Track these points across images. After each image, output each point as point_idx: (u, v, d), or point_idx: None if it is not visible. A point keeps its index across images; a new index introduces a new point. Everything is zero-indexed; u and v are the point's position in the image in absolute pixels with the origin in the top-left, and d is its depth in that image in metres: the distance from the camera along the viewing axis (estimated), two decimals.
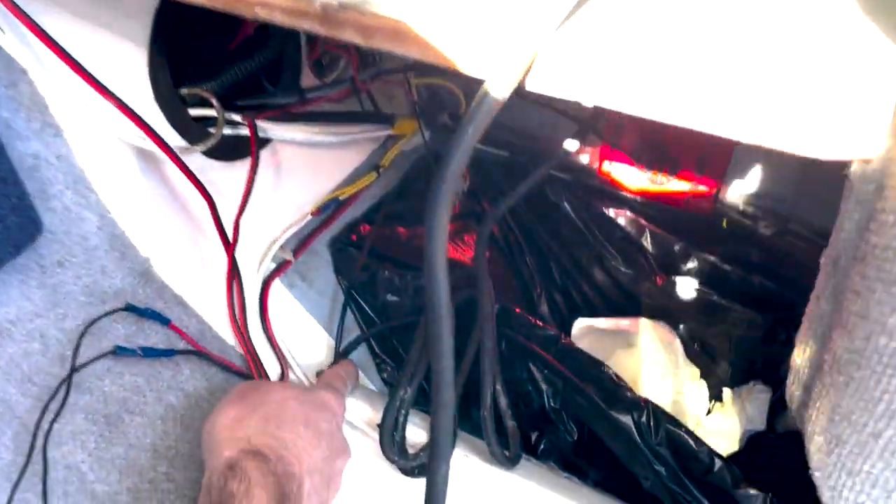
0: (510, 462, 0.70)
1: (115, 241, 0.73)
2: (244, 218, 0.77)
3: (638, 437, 0.73)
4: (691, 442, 0.72)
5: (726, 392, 0.96)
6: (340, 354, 0.81)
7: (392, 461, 0.70)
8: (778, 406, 0.91)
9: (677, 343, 0.96)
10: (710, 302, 0.94)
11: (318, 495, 0.59)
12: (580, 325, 1.00)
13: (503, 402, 0.71)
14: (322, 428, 0.62)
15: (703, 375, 0.97)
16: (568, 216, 1.00)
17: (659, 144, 0.89)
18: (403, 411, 0.71)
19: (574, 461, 0.79)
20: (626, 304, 1.02)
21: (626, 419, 0.73)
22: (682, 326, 0.98)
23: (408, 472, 0.71)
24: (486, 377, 0.70)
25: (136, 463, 0.70)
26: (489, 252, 1.02)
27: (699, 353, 0.98)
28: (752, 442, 0.92)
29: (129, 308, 0.72)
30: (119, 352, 0.70)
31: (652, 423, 0.73)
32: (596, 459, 0.79)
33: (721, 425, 0.94)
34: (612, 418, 0.74)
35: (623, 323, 0.97)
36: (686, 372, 0.97)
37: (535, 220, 1.04)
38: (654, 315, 0.98)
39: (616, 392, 0.75)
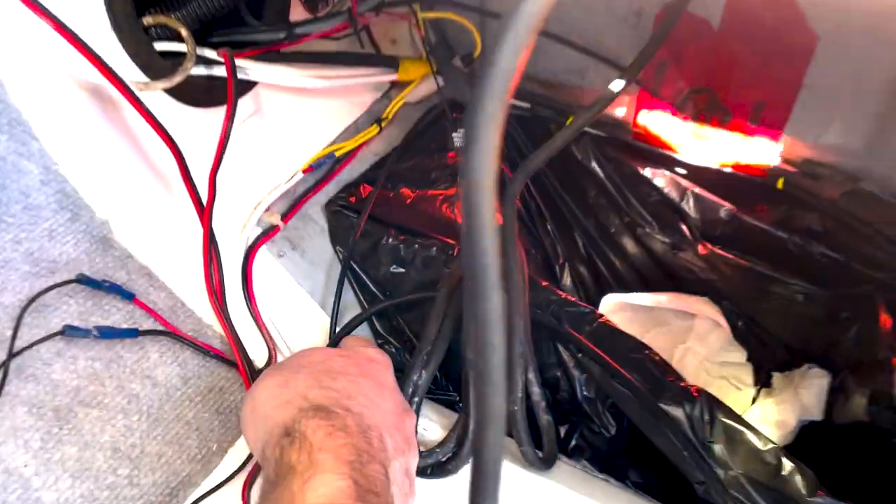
0: (544, 464, 0.59)
1: (64, 199, 0.61)
2: (223, 175, 0.65)
3: (690, 433, 0.62)
4: (755, 439, 0.61)
5: (777, 377, 0.85)
6: (340, 335, 0.69)
7: None
8: (837, 393, 0.80)
9: (722, 321, 0.84)
10: (762, 275, 0.82)
11: (403, 456, 0.49)
12: (609, 301, 0.88)
13: (536, 392, 0.60)
14: (383, 380, 0.53)
15: (750, 358, 0.85)
16: (596, 177, 0.88)
17: (707, 89, 0.76)
18: (416, 399, 0.60)
19: (611, 460, 0.68)
20: (661, 278, 0.90)
21: (676, 412, 0.63)
22: (725, 302, 0.86)
23: (420, 471, 0.59)
24: (515, 363, 0.58)
25: (91, 465, 0.59)
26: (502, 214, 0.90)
27: (746, 332, 0.86)
28: (806, 434, 0.81)
29: (83, 280, 0.60)
30: (69, 332, 0.58)
31: (706, 417, 0.62)
32: (637, 458, 0.67)
33: (770, 415, 0.82)
34: (658, 410, 0.63)
35: (659, 299, 0.86)
36: (731, 354, 0.86)
37: (557, 182, 0.92)
38: (695, 290, 0.87)
39: (663, 380, 0.64)
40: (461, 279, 0.65)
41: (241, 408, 0.51)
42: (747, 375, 0.86)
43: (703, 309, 0.85)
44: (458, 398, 0.77)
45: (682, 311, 0.88)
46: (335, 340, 0.70)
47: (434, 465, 0.60)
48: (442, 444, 0.60)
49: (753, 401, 0.86)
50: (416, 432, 0.56)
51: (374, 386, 0.50)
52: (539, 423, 0.61)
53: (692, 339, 0.88)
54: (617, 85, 0.59)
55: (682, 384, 0.63)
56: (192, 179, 0.63)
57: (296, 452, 0.41)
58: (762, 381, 0.86)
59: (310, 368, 0.50)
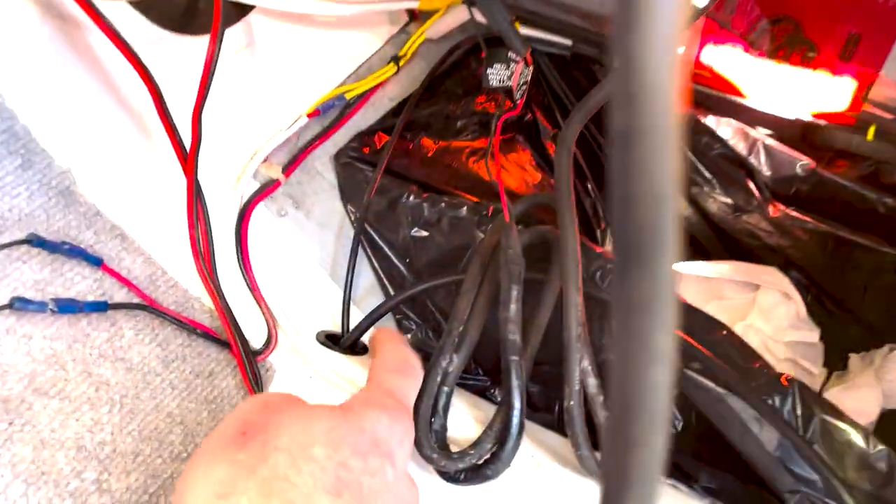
0: None
1: (14, 141, 0.49)
2: (211, 116, 0.53)
3: (780, 431, 0.51)
4: (861, 439, 0.51)
5: (854, 359, 0.74)
6: (357, 332, 0.57)
7: (430, 461, 0.48)
8: None
9: (794, 294, 0.73)
10: (843, 240, 0.70)
11: None
12: None
13: (593, 384, 0.49)
14: (367, 485, 0.35)
15: (823, 337, 0.74)
16: None
17: (789, 19, 0.64)
18: (446, 389, 0.49)
19: (678, 461, 0.57)
20: (717, 245, 0.79)
21: (763, 405, 0.51)
22: (794, 273, 0.75)
23: (451, 476, 0.49)
24: (570, 348, 0.47)
25: (50, 468, 0.48)
26: (540, 174, 0.79)
27: (820, 307, 0.75)
28: (889, 424, 0.70)
29: (36, 241, 0.48)
30: (20, 305, 0.47)
31: (800, 411, 0.52)
32: (710, 459, 0.56)
33: (846, 403, 0.71)
34: (739, 403, 0.52)
35: (720, 269, 0.74)
36: (801, 333, 0.74)
37: (600, 133, 0.80)
38: (762, 258, 0.75)
39: (747, 366, 0.53)
40: (498, 245, 0.54)
41: (177, 482, 0.36)
42: (819, 357, 0.75)
43: (771, 280, 0.73)
44: (489, 384, 0.66)
45: (743, 283, 0.77)
46: (352, 340, 0.58)
47: (468, 470, 0.49)
48: (477, 443, 0.49)
49: (823, 386, 0.75)
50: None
51: None
52: (596, 420, 0.50)
53: (754, 315, 0.76)
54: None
55: (769, 371, 0.52)
56: (171, 118, 0.52)
57: None
58: (836, 363, 0.75)
59: (266, 467, 0.33)
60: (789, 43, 0.64)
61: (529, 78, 0.60)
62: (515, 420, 0.47)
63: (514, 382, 0.47)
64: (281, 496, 0.32)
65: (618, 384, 0.15)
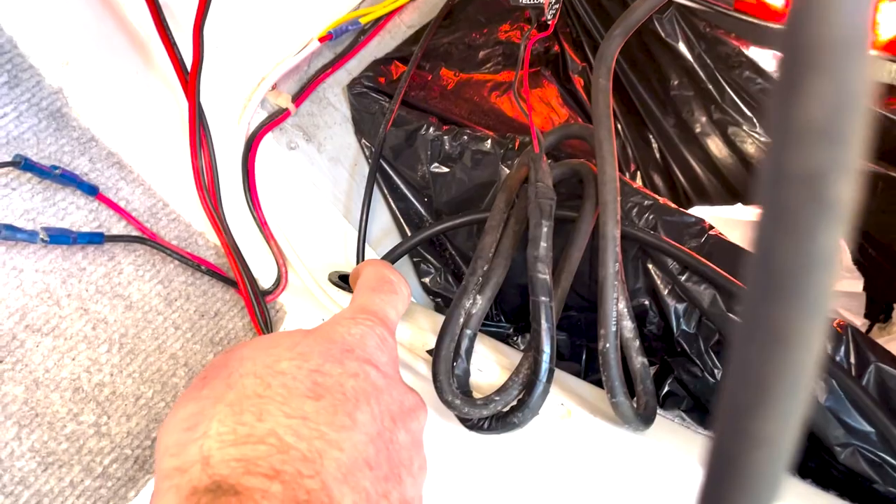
0: (642, 421, 0.44)
1: None
2: (214, 34, 0.49)
3: (832, 380, 0.47)
4: None
5: None
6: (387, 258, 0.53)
7: (451, 406, 0.44)
8: None
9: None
10: (893, 181, 0.65)
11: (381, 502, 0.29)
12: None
13: (628, 327, 0.45)
14: (350, 387, 0.31)
15: (867, 287, 0.70)
16: (682, 60, 0.71)
17: None
18: (469, 331, 0.45)
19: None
20: (754, 188, 0.74)
21: (827, 355, 0.47)
22: None
23: (475, 425, 0.45)
24: (606, 287, 0.43)
25: (45, 410, 0.44)
26: (566, 110, 0.74)
27: (865, 254, 0.70)
28: None
29: (25, 164, 0.44)
30: (7, 233, 0.43)
31: (854, 359, 0.47)
32: None
33: None
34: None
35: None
36: (843, 282, 0.70)
37: (630, 68, 0.75)
38: None
39: None
40: (526, 179, 0.49)
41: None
42: (861, 307, 0.70)
43: None
44: (512, 331, 0.63)
45: None
46: (360, 258, 0.54)
47: (493, 418, 0.45)
48: (503, 389, 0.45)
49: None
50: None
51: (333, 411, 0.29)
52: (630, 366, 0.46)
53: None
54: None
55: None
56: (170, 33, 0.47)
57: None
58: (879, 313, 0.70)
59: (235, 390, 0.30)
60: None
61: (558, 7, 0.55)
62: (545, 365, 0.44)
63: (544, 325, 0.43)
64: (253, 409, 0.28)
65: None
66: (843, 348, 0.47)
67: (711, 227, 0.51)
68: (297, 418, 0.28)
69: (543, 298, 0.44)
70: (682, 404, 0.53)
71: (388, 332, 0.36)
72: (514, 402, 0.45)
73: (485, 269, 0.47)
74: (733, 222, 0.71)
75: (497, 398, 0.45)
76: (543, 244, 0.45)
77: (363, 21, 0.62)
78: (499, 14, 0.69)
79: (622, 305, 0.46)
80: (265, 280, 0.54)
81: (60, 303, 0.46)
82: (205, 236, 0.53)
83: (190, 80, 0.48)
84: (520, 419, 0.45)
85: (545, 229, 0.46)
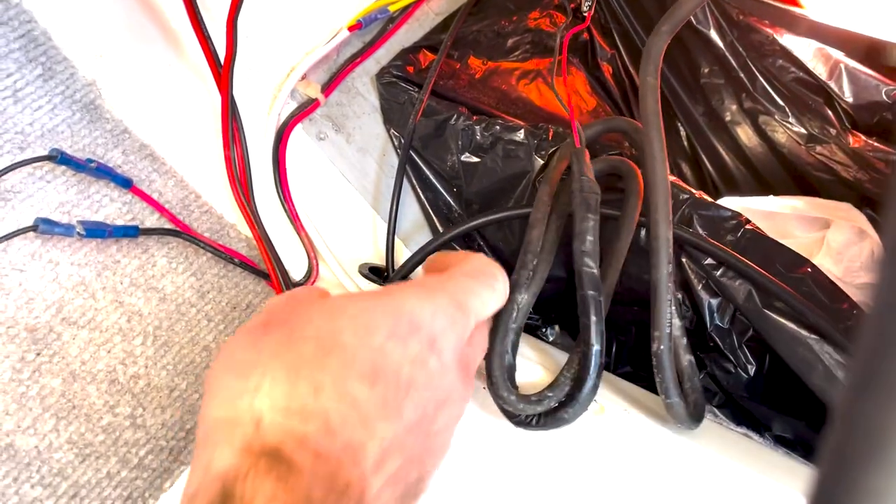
0: (693, 420, 0.44)
1: (33, 48, 0.45)
2: (246, 28, 0.48)
3: None
4: None
5: None
6: (410, 265, 0.52)
7: (505, 402, 0.43)
8: None
9: (871, 232, 0.67)
10: None
11: (401, 484, 0.30)
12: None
13: (677, 325, 0.44)
14: (405, 374, 0.30)
15: None
16: (714, 48, 0.69)
17: None
18: (514, 325, 0.45)
19: (750, 408, 0.52)
20: (784, 179, 0.73)
21: (850, 348, 0.47)
22: (868, 210, 0.69)
23: (522, 421, 0.45)
24: (660, 289, 0.42)
25: (81, 402, 0.45)
26: (595, 99, 0.73)
27: None
28: None
29: (61, 158, 0.44)
30: (45, 228, 0.43)
31: None
32: (785, 406, 0.52)
33: None
34: (823, 346, 0.47)
35: (794, 204, 0.69)
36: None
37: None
38: (832, 194, 0.69)
39: (833, 306, 0.48)
40: (570, 168, 0.49)
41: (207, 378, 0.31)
42: None
43: (846, 216, 0.68)
44: (541, 323, 0.62)
45: (812, 219, 0.72)
46: (400, 276, 0.53)
47: (542, 414, 0.45)
48: (554, 385, 0.44)
49: None
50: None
51: (384, 395, 0.29)
52: (678, 364, 0.45)
53: (823, 255, 0.71)
54: None
55: (858, 312, 0.48)
56: (204, 27, 0.47)
57: None
58: None
59: (295, 348, 0.29)
60: None
61: None
62: (594, 360, 0.43)
63: (593, 319, 0.43)
64: (309, 379, 0.28)
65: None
66: None
67: (748, 221, 0.51)
68: (348, 403, 0.28)
69: (592, 292, 0.44)
70: (714, 400, 0.53)
71: (464, 317, 0.35)
72: (563, 398, 0.45)
73: (533, 263, 0.46)
74: (763, 213, 0.70)
75: (550, 394, 0.44)
76: (590, 238, 0.45)
77: (392, 9, 0.61)
78: (528, 1, 0.68)
79: (672, 307, 0.45)
80: (296, 272, 0.54)
81: (96, 295, 0.46)
82: (236, 228, 0.53)
83: (223, 73, 0.48)
84: (570, 415, 0.44)
85: (591, 223, 0.45)
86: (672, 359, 0.42)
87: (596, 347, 0.41)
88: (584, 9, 0.53)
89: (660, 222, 0.42)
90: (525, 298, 0.44)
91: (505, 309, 0.42)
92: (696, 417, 0.44)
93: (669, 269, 0.42)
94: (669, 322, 0.42)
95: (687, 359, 0.44)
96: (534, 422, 0.43)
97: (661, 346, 0.41)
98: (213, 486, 0.26)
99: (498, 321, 0.43)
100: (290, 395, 0.27)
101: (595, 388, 0.42)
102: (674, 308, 0.43)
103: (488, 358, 0.42)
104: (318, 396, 0.28)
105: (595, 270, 0.43)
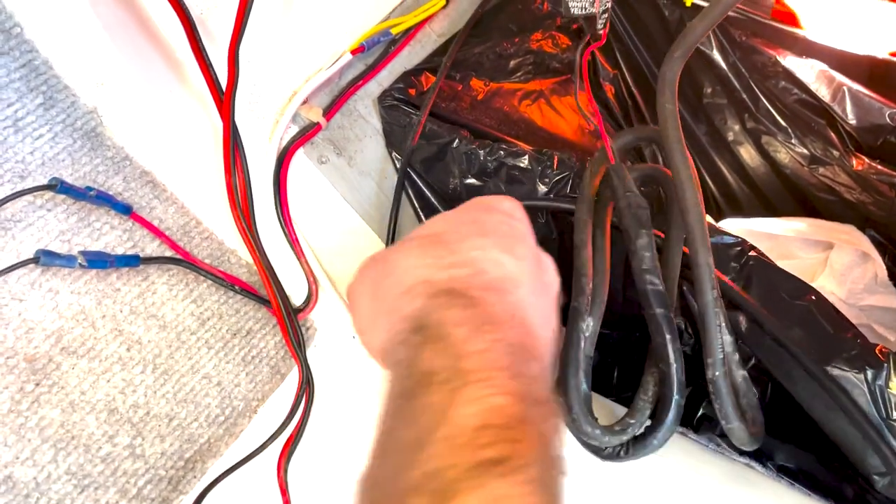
0: (755, 440, 0.44)
1: (34, 77, 0.45)
2: (248, 54, 0.48)
3: (871, 408, 0.46)
4: None
5: None
6: None
7: (588, 437, 0.42)
8: None
9: (874, 254, 0.67)
10: None
11: (550, 324, 0.36)
12: (727, 227, 0.71)
13: (728, 342, 0.44)
14: (504, 229, 0.37)
15: None
16: (716, 68, 0.69)
17: None
18: (584, 355, 0.44)
19: None
20: (787, 199, 0.73)
21: (854, 379, 0.47)
22: (871, 232, 0.69)
23: (610, 454, 0.44)
24: (707, 315, 0.42)
25: (80, 432, 0.45)
26: (596, 116, 0.73)
27: None
28: None
29: (61, 187, 0.44)
30: (46, 260, 0.43)
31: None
32: (788, 436, 0.52)
33: None
34: (826, 377, 0.47)
35: (796, 226, 0.68)
36: (878, 297, 0.69)
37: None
38: (835, 215, 0.69)
39: (838, 335, 0.48)
40: (605, 183, 0.49)
41: (351, 296, 0.38)
42: (895, 324, 0.69)
43: (849, 238, 0.67)
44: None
45: (814, 241, 0.71)
46: None
47: (628, 443, 0.44)
48: (634, 411, 0.43)
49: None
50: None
51: (503, 244, 0.36)
52: (732, 381, 0.44)
53: (826, 276, 0.71)
54: None
55: (863, 342, 0.47)
56: (206, 55, 0.47)
57: (433, 355, 0.30)
58: None
59: (421, 240, 0.36)
60: None
61: (609, 4, 0.54)
62: (676, 377, 0.42)
63: (668, 337, 0.42)
64: (439, 247, 0.35)
65: None
66: (884, 375, 0.46)
67: (752, 248, 0.50)
68: (479, 249, 0.34)
69: (660, 310, 0.43)
70: (717, 429, 0.53)
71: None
72: (647, 423, 0.45)
73: (589, 287, 0.45)
74: (767, 234, 0.70)
75: (632, 421, 0.44)
76: (648, 254, 0.44)
77: (394, 32, 0.61)
78: (531, 23, 0.68)
79: (721, 320, 0.44)
80: (297, 297, 0.54)
81: (96, 324, 0.46)
82: (237, 254, 0.53)
83: (225, 100, 0.47)
84: (659, 439, 0.43)
85: (647, 239, 0.45)
86: (729, 385, 0.42)
87: (675, 366, 0.41)
88: (599, 26, 0.53)
89: (698, 249, 0.41)
90: (590, 324, 0.43)
91: (570, 340, 0.42)
92: (756, 437, 0.43)
93: (714, 294, 0.41)
94: (721, 348, 0.42)
95: (740, 374, 0.44)
96: (621, 453, 0.43)
97: (717, 373, 0.41)
98: (405, 325, 0.31)
99: (567, 354, 0.42)
100: (435, 257, 0.34)
101: (680, 408, 0.42)
102: (723, 324, 0.42)
103: (564, 393, 0.42)
104: (455, 252, 0.34)
105: (660, 287, 0.43)
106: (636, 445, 0.43)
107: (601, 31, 0.53)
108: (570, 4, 0.54)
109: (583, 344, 0.43)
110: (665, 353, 0.42)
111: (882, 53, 0.62)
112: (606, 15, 0.53)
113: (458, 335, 0.30)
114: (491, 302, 0.32)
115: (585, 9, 0.53)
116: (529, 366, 0.31)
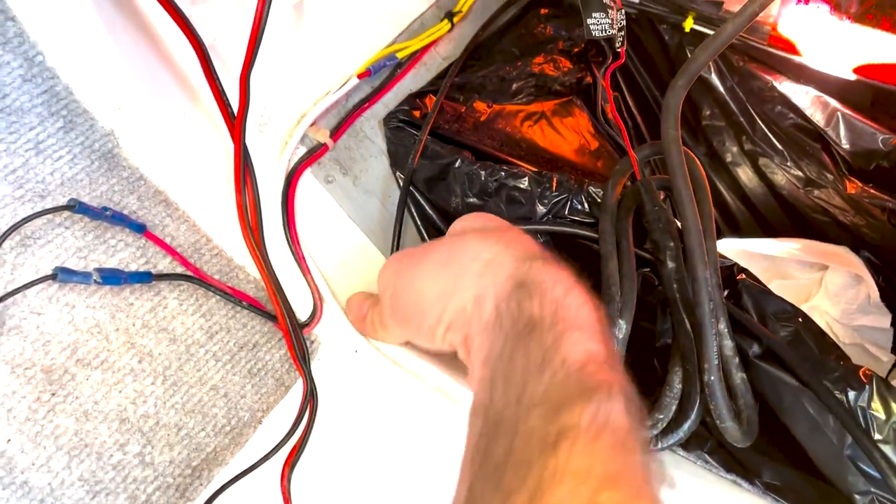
0: (748, 438, 0.49)
1: (55, 102, 0.47)
2: (259, 79, 0.50)
3: (854, 428, 0.48)
4: None
5: None
6: None
7: None
8: None
9: (867, 275, 0.68)
10: None
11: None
12: (723, 248, 0.73)
13: (729, 346, 0.49)
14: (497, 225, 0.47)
15: (894, 322, 0.70)
16: (714, 92, 0.71)
17: None
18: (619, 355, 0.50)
19: (739, 454, 0.54)
20: (783, 220, 0.75)
21: (837, 399, 0.48)
22: (865, 253, 0.71)
23: None
24: (704, 327, 0.47)
25: (93, 440, 0.47)
26: (598, 141, 0.75)
27: (892, 291, 0.70)
28: None
29: (78, 207, 0.46)
30: (64, 277, 0.45)
31: (879, 407, 0.48)
32: (775, 454, 0.53)
33: None
34: (811, 397, 0.49)
35: (791, 247, 0.70)
36: (871, 317, 0.70)
37: (662, 96, 0.75)
38: (831, 237, 0.71)
39: (823, 358, 0.50)
40: (628, 183, 0.53)
41: (400, 282, 0.46)
42: (888, 343, 0.71)
43: (843, 260, 0.69)
44: None
45: (810, 262, 0.73)
46: None
47: (659, 435, 0.49)
48: (661, 406, 0.49)
49: (889, 373, 0.71)
50: None
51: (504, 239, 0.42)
52: (731, 383, 0.49)
53: (820, 296, 0.72)
54: None
55: (846, 364, 0.49)
56: (218, 80, 0.49)
57: (537, 306, 0.36)
58: None
59: (470, 234, 0.44)
60: (881, 4, 0.59)
61: (624, 23, 0.57)
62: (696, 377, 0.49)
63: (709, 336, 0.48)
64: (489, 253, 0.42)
65: None
66: (865, 396, 0.48)
67: (741, 271, 0.52)
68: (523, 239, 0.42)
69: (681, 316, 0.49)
70: (705, 446, 0.54)
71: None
72: (672, 415, 0.50)
73: (618, 296, 0.49)
74: (763, 256, 0.71)
75: (660, 416, 0.49)
76: (674, 265, 0.51)
77: (400, 56, 0.63)
78: (532, 47, 0.70)
79: (722, 325, 0.48)
80: (301, 312, 0.56)
81: (109, 337, 0.48)
82: (245, 270, 0.55)
83: (236, 123, 0.50)
84: (685, 431, 0.49)
85: (675, 252, 0.51)
86: (723, 388, 0.47)
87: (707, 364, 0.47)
88: (617, 45, 0.56)
89: (696, 265, 0.47)
90: (623, 327, 0.47)
91: None
92: (749, 434, 0.48)
93: (710, 306, 0.46)
94: (717, 354, 0.46)
95: (739, 376, 0.48)
96: (651, 444, 0.47)
97: (711, 377, 0.46)
98: (507, 285, 0.38)
99: None
100: (498, 238, 0.41)
101: (702, 403, 0.47)
102: (725, 329, 0.47)
103: None
104: (510, 231, 0.43)
105: (689, 294, 0.47)
106: (663, 437, 0.49)
107: (619, 49, 0.57)
108: (591, 29, 0.56)
109: (616, 346, 0.48)
110: (691, 356, 0.47)
111: (877, 81, 0.63)
112: (623, 33, 0.57)
113: (556, 292, 0.37)
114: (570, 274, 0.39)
115: (605, 31, 0.56)
116: (607, 327, 0.38)
